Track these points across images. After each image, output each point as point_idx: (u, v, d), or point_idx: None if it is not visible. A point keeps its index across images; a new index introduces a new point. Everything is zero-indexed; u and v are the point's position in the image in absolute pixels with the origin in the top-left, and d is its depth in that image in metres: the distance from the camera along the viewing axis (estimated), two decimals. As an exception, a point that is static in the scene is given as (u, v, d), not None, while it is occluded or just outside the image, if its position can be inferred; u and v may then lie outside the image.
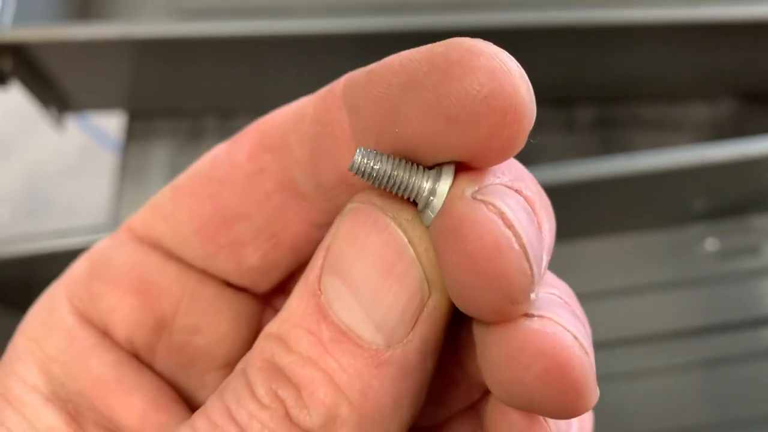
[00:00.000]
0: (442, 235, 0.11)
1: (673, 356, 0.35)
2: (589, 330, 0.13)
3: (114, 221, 0.42)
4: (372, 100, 0.12)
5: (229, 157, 0.15)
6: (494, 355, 0.12)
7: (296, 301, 0.12)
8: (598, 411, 0.36)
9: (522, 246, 0.11)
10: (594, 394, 0.12)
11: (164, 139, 0.43)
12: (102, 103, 0.43)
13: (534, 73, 0.42)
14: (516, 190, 0.11)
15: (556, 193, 0.31)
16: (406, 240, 0.12)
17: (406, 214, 0.12)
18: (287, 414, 0.12)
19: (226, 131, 0.44)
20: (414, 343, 0.12)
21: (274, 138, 0.14)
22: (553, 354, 0.11)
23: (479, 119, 0.10)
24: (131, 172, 0.43)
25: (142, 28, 0.36)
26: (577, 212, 0.35)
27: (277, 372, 0.12)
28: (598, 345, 0.36)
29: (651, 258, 0.37)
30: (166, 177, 0.42)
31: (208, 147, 0.47)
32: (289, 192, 0.14)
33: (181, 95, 0.43)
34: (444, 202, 0.11)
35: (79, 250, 0.31)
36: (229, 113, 0.44)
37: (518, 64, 0.11)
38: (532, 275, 0.11)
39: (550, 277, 0.13)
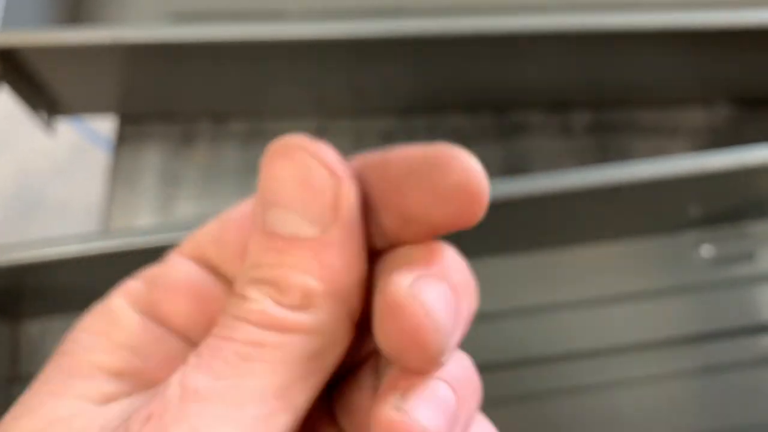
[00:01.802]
0: (381, 304, 0.15)
1: (668, 363, 0.35)
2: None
3: (106, 226, 0.41)
4: (382, 181, 0.17)
5: None
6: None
7: (253, 246, 0.17)
8: (594, 420, 0.36)
9: (437, 327, 0.15)
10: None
11: (156, 143, 0.43)
12: (93, 107, 0.43)
13: (530, 77, 0.42)
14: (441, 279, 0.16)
15: (551, 200, 0.31)
16: (309, 156, 0.16)
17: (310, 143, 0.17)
18: (274, 301, 0.16)
19: (218, 135, 0.43)
20: (341, 221, 0.16)
21: None
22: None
23: (456, 197, 0.16)
24: (123, 176, 0.42)
25: (134, 32, 0.36)
26: (572, 219, 0.35)
27: (256, 281, 0.16)
28: (592, 353, 0.36)
29: (646, 265, 0.37)
30: (158, 181, 0.42)
31: (201, 151, 0.46)
32: None
33: (173, 99, 0.43)
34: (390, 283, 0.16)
35: (71, 259, 0.31)
36: (221, 117, 0.44)
37: (478, 162, 0.16)
38: (443, 345, 0.15)
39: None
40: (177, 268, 0.19)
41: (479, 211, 0.16)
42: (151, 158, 0.43)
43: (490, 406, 0.21)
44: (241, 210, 0.19)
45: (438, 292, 0.16)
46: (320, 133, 0.43)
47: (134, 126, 0.43)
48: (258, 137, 0.43)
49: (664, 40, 0.37)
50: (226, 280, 0.19)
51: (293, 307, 0.16)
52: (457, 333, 0.16)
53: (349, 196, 0.16)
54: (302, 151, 0.16)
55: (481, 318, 0.31)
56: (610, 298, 0.36)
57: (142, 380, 0.17)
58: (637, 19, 0.36)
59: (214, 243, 0.19)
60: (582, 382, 0.35)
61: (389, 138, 0.43)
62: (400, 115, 0.43)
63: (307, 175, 0.16)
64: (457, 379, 0.16)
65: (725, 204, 0.36)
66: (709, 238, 0.38)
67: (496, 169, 0.42)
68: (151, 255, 0.30)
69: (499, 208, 0.30)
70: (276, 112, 0.44)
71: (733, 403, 0.35)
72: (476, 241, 0.35)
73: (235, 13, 0.44)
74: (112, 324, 0.18)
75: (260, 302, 0.16)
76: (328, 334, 0.16)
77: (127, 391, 0.17)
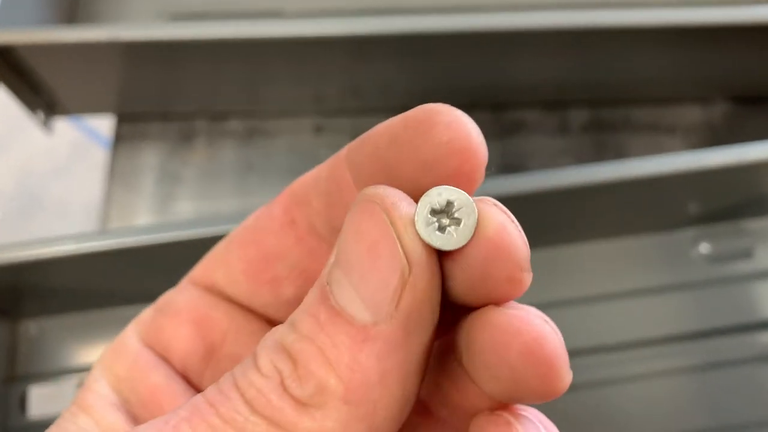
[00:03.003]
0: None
1: (667, 360, 0.35)
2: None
3: (104, 226, 0.41)
4: (366, 157, 0.15)
5: (268, 212, 0.18)
6: (479, 343, 0.14)
7: (309, 295, 0.14)
8: (594, 416, 0.36)
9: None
10: (568, 372, 0.13)
11: (154, 143, 0.43)
12: (91, 106, 0.43)
13: (527, 75, 0.42)
14: None
15: (549, 198, 0.31)
16: (387, 220, 0.13)
17: (393, 198, 0.14)
18: (282, 383, 0.13)
19: (216, 134, 0.43)
20: (398, 319, 0.13)
21: (300, 195, 0.18)
22: (529, 329, 0.13)
23: (445, 159, 0.14)
24: (121, 176, 0.42)
25: (131, 31, 0.36)
26: (570, 217, 0.35)
27: (280, 349, 0.14)
28: (591, 350, 0.36)
29: (644, 262, 0.37)
30: (156, 180, 0.42)
31: (199, 150, 0.46)
32: (314, 236, 0.18)
33: (171, 98, 0.43)
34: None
35: (68, 258, 0.31)
36: (219, 116, 0.44)
37: (469, 117, 0.14)
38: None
39: None
40: (183, 294, 0.19)
41: (476, 169, 0.14)
42: (149, 157, 0.43)
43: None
44: (247, 225, 0.18)
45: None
46: (318, 131, 0.43)
47: (132, 125, 0.43)
48: (256, 136, 0.43)
49: (661, 37, 0.37)
50: (232, 304, 0.18)
51: (300, 401, 0.13)
52: None
53: (420, 289, 0.13)
54: (379, 208, 0.13)
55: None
56: (608, 295, 0.36)
57: (136, 412, 0.17)
58: (634, 16, 0.36)
59: (222, 265, 0.18)
60: (581, 379, 0.35)
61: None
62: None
63: (379, 239, 0.13)
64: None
65: (723, 201, 0.36)
66: (707, 236, 0.38)
67: (493, 167, 0.42)
68: (149, 254, 0.30)
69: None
70: (274, 111, 0.44)
71: (732, 400, 0.35)
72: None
73: (233, 13, 0.44)
74: (117, 355, 0.18)
75: (266, 378, 0.13)
76: None
77: (128, 421, 0.17)
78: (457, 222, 0.14)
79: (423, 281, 0.13)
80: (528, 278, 0.14)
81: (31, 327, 0.36)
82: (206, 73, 0.40)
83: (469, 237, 0.14)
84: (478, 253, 0.14)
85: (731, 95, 0.43)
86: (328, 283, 0.14)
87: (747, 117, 0.43)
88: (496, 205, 0.14)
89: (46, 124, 0.41)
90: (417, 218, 0.14)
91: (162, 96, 0.42)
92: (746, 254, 0.37)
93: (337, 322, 0.13)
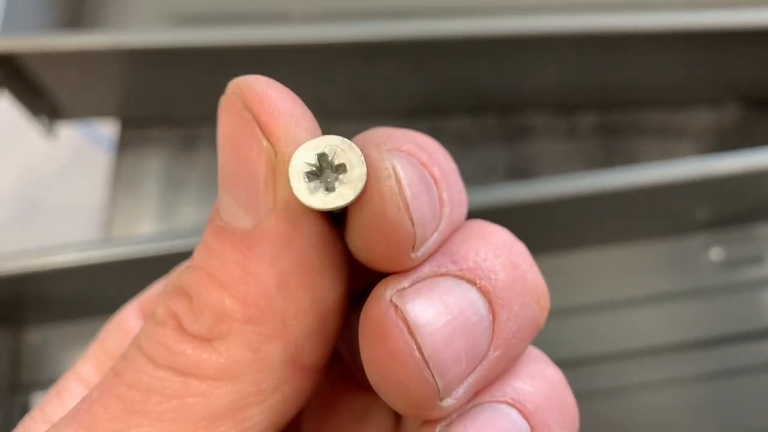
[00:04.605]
0: (360, 328, 0.12)
1: (679, 367, 0.35)
2: None
3: (107, 232, 0.41)
4: None
5: None
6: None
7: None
8: (603, 425, 0.36)
9: (422, 356, 0.11)
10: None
11: (158, 148, 0.43)
12: (94, 111, 0.42)
13: (535, 79, 0.42)
14: (446, 274, 0.12)
15: (558, 205, 0.31)
16: (244, 109, 0.12)
17: (249, 82, 0.12)
18: (180, 325, 0.12)
19: (221, 139, 0.43)
20: (278, 211, 0.11)
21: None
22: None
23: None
24: (124, 181, 0.42)
25: (134, 36, 0.35)
26: (580, 223, 0.35)
27: (176, 291, 0.12)
28: (600, 358, 0.36)
29: (655, 268, 0.37)
30: (159, 186, 0.42)
31: (203, 155, 0.46)
32: None
33: (174, 103, 0.42)
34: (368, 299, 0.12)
35: (72, 267, 0.30)
36: (224, 120, 0.43)
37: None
38: (437, 384, 0.11)
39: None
40: (122, 324, 0.17)
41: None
42: (153, 163, 0.42)
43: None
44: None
45: (431, 303, 0.12)
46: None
47: (135, 131, 0.43)
48: (260, 141, 0.43)
49: (671, 40, 0.37)
50: None
51: (200, 337, 0.12)
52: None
53: (292, 171, 0.12)
54: (236, 99, 0.12)
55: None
56: (617, 302, 0.36)
57: None
58: (644, 19, 0.35)
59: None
60: (592, 387, 0.34)
61: (393, 141, 0.42)
62: (403, 118, 0.43)
63: (240, 139, 0.12)
64: (534, 402, 0.12)
65: (734, 207, 0.36)
66: (718, 242, 0.37)
67: (501, 172, 0.41)
68: (153, 263, 0.30)
69: (506, 212, 0.30)
70: (278, 115, 0.43)
71: (744, 408, 0.34)
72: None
73: (237, 15, 0.44)
74: (114, 329, 0.17)
75: (163, 326, 0.12)
76: (247, 382, 0.11)
77: None
78: (340, 179, 0.12)
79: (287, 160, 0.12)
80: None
81: (34, 335, 0.36)
82: (210, 78, 0.39)
83: (350, 199, 0.11)
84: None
85: (743, 99, 0.43)
86: (216, 205, 0.13)
87: (759, 121, 0.43)
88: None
89: (49, 129, 0.41)
90: (291, 168, 0.11)
91: (166, 101, 0.42)
92: (758, 260, 0.37)
93: (223, 239, 0.12)
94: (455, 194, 0.13)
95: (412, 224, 0.11)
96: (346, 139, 0.12)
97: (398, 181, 0.11)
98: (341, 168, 0.11)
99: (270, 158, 0.11)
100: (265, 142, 0.11)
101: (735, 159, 0.31)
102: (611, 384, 0.35)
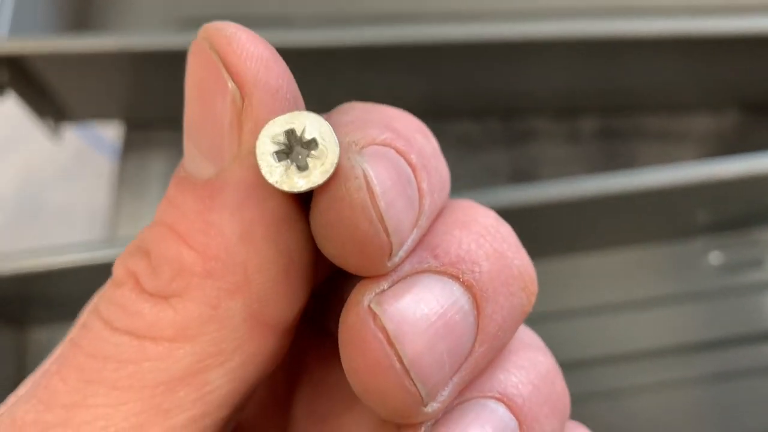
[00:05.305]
0: (339, 335, 0.11)
1: (678, 370, 0.35)
2: None
3: (112, 234, 0.41)
4: None
5: None
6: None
7: None
8: (603, 427, 0.36)
9: (402, 366, 0.11)
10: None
11: (162, 150, 0.43)
12: (99, 113, 0.43)
13: (537, 84, 0.42)
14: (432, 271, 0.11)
15: (559, 208, 0.31)
16: (212, 54, 0.11)
17: (217, 25, 0.11)
18: (138, 284, 0.11)
19: (225, 141, 0.43)
20: (243, 157, 0.11)
21: None
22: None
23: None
24: (129, 183, 0.42)
25: (140, 39, 0.36)
26: (580, 226, 0.35)
27: (135, 249, 0.11)
28: (600, 360, 0.36)
29: (655, 272, 0.37)
30: (164, 188, 0.42)
31: (208, 158, 0.46)
32: None
33: (179, 105, 0.42)
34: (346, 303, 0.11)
35: (78, 267, 0.31)
36: (228, 123, 0.43)
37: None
38: (419, 392, 0.11)
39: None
40: None
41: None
42: (158, 165, 0.42)
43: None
44: None
45: (411, 307, 0.11)
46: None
47: (141, 133, 0.43)
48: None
49: (672, 46, 0.37)
50: None
51: (158, 294, 0.11)
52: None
53: (259, 117, 0.11)
54: (204, 42, 0.11)
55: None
56: (618, 305, 0.36)
57: None
58: (645, 25, 0.36)
59: None
60: (592, 389, 0.35)
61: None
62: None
63: (205, 83, 0.11)
64: (523, 395, 0.12)
65: (734, 211, 0.36)
66: (718, 245, 0.38)
67: (503, 175, 0.41)
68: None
69: (507, 215, 0.30)
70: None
71: (744, 411, 0.35)
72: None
73: (241, 19, 0.44)
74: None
75: (121, 286, 0.11)
76: (205, 342, 0.11)
77: None
78: (304, 165, 0.11)
79: (263, 104, 0.11)
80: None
81: (40, 335, 0.36)
82: (215, 80, 0.40)
83: (300, 189, 0.11)
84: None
85: (743, 104, 0.43)
86: (182, 159, 0.12)
87: (759, 126, 0.43)
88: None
89: (55, 130, 0.41)
90: (266, 129, 0.11)
91: (170, 103, 0.42)
92: (757, 264, 0.37)
93: (185, 190, 0.11)
94: (436, 180, 0.12)
95: (387, 235, 0.11)
96: (334, 131, 0.11)
97: (371, 190, 0.10)
98: (312, 155, 0.11)
99: (236, 102, 0.11)
100: (231, 85, 0.11)
101: (735, 163, 0.31)
102: (611, 387, 0.35)
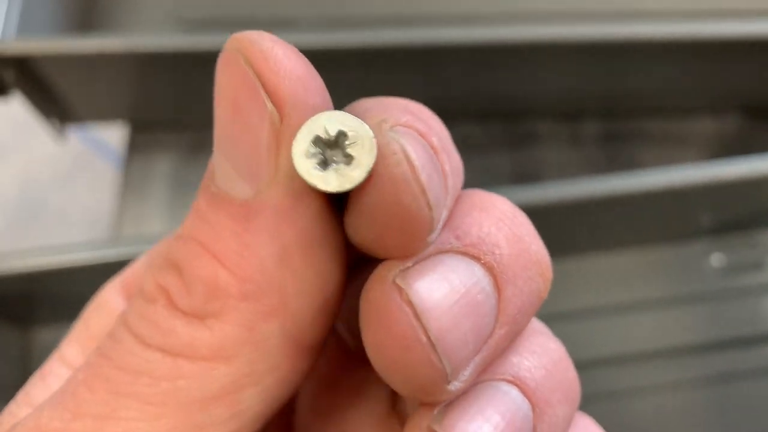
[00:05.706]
0: (362, 311, 0.11)
1: (678, 372, 0.35)
2: None
3: (116, 235, 0.41)
4: None
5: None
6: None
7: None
8: (604, 427, 0.36)
9: (429, 340, 0.10)
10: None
11: (167, 151, 0.43)
12: (104, 114, 0.43)
13: (540, 87, 0.42)
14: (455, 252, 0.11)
15: (561, 209, 0.31)
16: (246, 65, 0.11)
17: (252, 37, 0.11)
18: (170, 300, 0.11)
19: (229, 143, 0.43)
20: (281, 180, 0.11)
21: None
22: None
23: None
24: (133, 185, 0.42)
25: (146, 40, 0.36)
26: (582, 228, 0.35)
27: (165, 264, 0.11)
28: (602, 361, 0.36)
29: (656, 274, 0.37)
30: (168, 190, 0.42)
31: (212, 159, 0.46)
32: None
33: (184, 107, 0.43)
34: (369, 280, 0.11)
35: (83, 266, 0.31)
36: (232, 124, 0.44)
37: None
38: (444, 368, 0.11)
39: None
40: (105, 303, 0.16)
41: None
42: (162, 166, 0.43)
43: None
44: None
45: (438, 285, 0.11)
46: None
47: (145, 134, 0.44)
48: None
49: (674, 50, 0.37)
50: None
51: (192, 313, 0.11)
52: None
53: (296, 147, 0.11)
54: (237, 55, 0.11)
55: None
56: (619, 306, 0.36)
57: None
58: (647, 29, 0.36)
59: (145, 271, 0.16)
60: (593, 390, 0.35)
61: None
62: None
63: (241, 101, 0.11)
64: (536, 379, 0.12)
65: (735, 213, 0.36)
66: (719, 247, 0.38)
67: (505, 178, 0.42)
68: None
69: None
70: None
71: (745, 412, 0.35)
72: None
73: (246, 21, 0.44)
74: (98, 310, 0.16)
75: (153, 303, 0.11)
76: (241, 363, 0.11)
77: None
78: (348, 159, 0.11)
79: (301, 125, 0.11)
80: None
81: (44, 334, 0.36)
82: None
83: (359, 180, 0.11)
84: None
85: (744, 107, 0.43)
86: (209, 171, 0.11)
87: (760, 129, 0.43)
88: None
89: (60, 131, 0.42)
90: (295, 148, 0.11)
91: (175, 105, 0.43)
92: (758, 266, 0.37)
93: (219, 208, 0.11)
94: (454, 163, 0.12)
95: (429, 209, 0.10)
96: (355, 116, 0.11)
97: (411, 165, 0.10)
98: (349, 146, 0.11)
99: (274, 123, 0.10)
100: (269, 105, 0.10)
101: (736, 165, 0.32)
102: (612, 387, 0.35)
